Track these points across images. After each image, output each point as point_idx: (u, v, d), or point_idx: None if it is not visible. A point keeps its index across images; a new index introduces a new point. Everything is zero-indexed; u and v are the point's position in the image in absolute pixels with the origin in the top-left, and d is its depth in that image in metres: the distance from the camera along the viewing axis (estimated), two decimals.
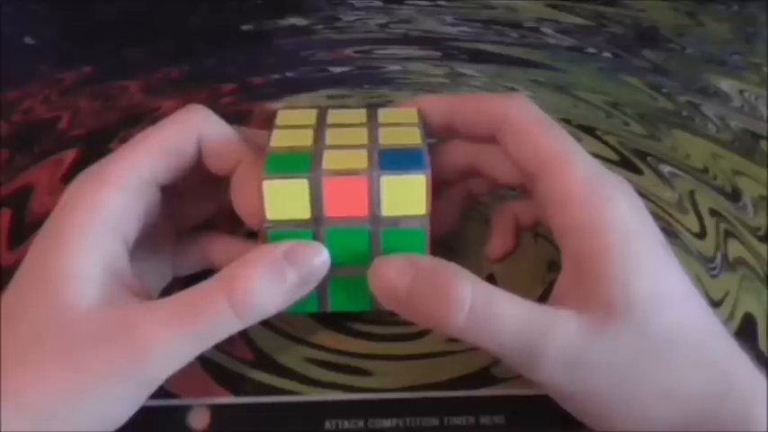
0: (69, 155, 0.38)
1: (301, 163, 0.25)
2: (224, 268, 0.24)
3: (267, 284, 0.24)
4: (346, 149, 0.26)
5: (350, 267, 0.26)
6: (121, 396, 0.24)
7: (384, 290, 0.25)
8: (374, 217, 0.25)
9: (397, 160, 0.25)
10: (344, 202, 0.25)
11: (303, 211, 0.25)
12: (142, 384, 0.24)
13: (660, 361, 0.23)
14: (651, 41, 0.45)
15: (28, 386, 0.23)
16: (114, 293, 0.24)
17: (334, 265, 0.26)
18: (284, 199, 0.25)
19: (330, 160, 0.25)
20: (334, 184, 0.25)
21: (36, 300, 0.24)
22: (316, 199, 0.25)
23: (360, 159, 0.26)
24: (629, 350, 0.23)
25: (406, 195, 0.25)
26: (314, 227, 0.25)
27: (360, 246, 0.26)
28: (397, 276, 0.25)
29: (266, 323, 0.30)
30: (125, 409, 0.25)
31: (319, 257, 0.25)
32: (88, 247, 0.24)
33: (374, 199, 0.25)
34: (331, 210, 0.25)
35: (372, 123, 0.28)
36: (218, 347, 0.29)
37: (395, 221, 0.25)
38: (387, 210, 0.25)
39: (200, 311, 0.24)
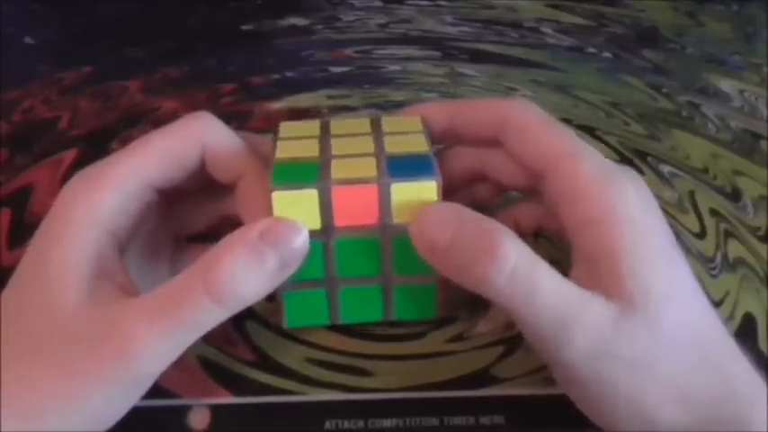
0: (69, 155, 0.37)
1: (310, 173, 0.25)
2: (201, 257, 0.23)
3: (245, 270, 0.23)
4: (354, 158, 0.26)
5: (360, 279, 0.26)
6: (111, 395, 0.24)
7: (424, 238, 0.24)
8: (384, 225, 0.25)
9: (406, 167, 0.25)
10: (354, 211, 0.25)
11: (313, 222, 0.25)
12: (131, 382, 0.24)
13: (673, 361, 0.23)
14: (651, 41, 0.45)
15: (17, 388, 0.23)
16: (103, 292, 0.24)
17: (345, 276, 0.26)
18: (294, 210, 0.24)
19: (338, 169, 0.25)
20: (344, 194, 0.25)
21: (27, 299, 0.24)
22: (325, 209, 0.25)
23: (368, 167, 0.25)
24: (647, 346, 0.23)
25: (417, 203, 0.25)
26: (324, 237, 0.25)
27: (370, 256, 0.26)
28: (440, 224, 0.24)
29: (267, 323, 0.30)
30: (116, 408, 0.24)
31: (298, 236, 0.24)
32: (78, 247, 0.24)
33: (384, 207, 0.25)
34: (341, 219, 0.25)
35: (377, 132, 0.27)
36: (219, 347, 0.30)
37: (405, 229, 0.25)
38: (397, 217, 0.25)
39: (180, 304, 0.23)
